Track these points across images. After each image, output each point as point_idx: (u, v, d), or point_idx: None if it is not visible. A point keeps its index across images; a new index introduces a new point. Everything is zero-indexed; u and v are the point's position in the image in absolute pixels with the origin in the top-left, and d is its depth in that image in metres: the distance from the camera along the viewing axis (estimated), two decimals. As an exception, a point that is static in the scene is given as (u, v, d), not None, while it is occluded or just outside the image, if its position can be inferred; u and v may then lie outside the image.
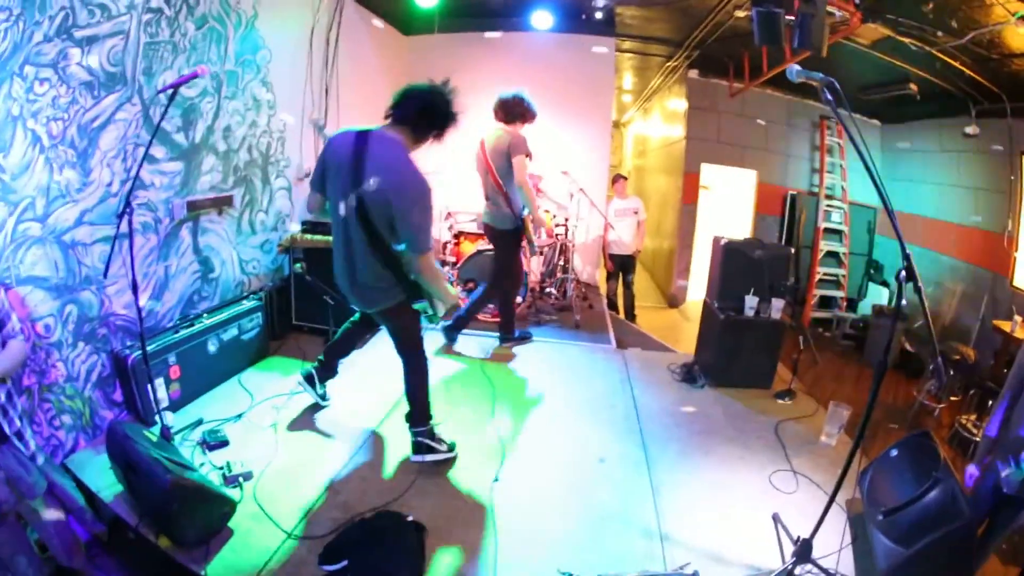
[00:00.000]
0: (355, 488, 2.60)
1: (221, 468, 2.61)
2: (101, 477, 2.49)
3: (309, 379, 3.16)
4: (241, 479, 2.56)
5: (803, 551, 2.15)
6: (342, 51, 4.60)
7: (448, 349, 4.24)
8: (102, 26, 2.58)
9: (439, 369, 3.93)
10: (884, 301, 7.22)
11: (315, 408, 3.22)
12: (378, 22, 5.38)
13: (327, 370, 3.21)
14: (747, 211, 7.85)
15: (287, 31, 4.03)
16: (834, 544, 2.30)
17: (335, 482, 2.63)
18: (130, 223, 2.44)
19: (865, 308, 7.46)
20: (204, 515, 2.21)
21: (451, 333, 4.31)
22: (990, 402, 4.14)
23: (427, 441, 2.81)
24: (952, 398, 4.84)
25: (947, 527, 2.03)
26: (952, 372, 4.77)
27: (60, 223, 2.53)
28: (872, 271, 7.70)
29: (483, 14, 5.98)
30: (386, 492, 2.58)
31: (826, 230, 7.42)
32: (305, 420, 3.12)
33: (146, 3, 2.77)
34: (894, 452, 2.61)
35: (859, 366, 5.96)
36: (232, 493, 2.41)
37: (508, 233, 3.99)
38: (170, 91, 2.37)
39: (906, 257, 1.78)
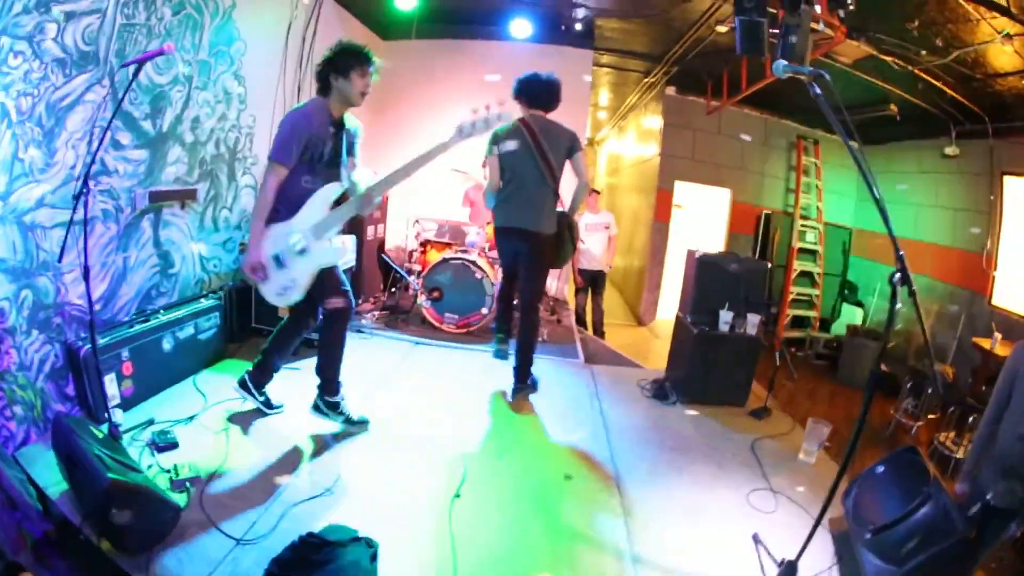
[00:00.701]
0: (306, 499, 2.47)
1: (168, 471, 2.47)
2: (49, 473, 2.33)
3: (243, 385, 3.05)
4: (188, 484, 2.42)
5: (788, 574, 2.06)
6: (318, 50, 4.51)
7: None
8: (81, 2, 2.50)
9: (401, 381, 3.84)
10: (858, 321, 7.35)
11: (268, 414, 3.09)
12: (356, 24, 5.33)
13: (263, 372, 3.06)
14: (720, 230, 7.94)
15: (264, 25, 3.96)
16: (818, 565, 2.23)
17: (286, 490, 2.51)
18: (85, 205, 2.34)
19: (839, 329, 7.56)
20: (146, 519, 2.08)
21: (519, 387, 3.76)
22: (970, 418, 4.20)
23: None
24: (930, 416, 4.90)
25: (942, 543, 1.98)
26: (930, 390, 4.85)
27: (21, 203, 2.41)
28: (846, 291, 7.84)
29: (461, 21, 5.98)
30: (339, 504, 2.47)
31: (800, 250, 7.52)
32: (258, 425, 3.00)
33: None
34: (880, 468, 2.56)
35: (832, 384, 6.05)
36: (178, 498, 2.28)
37: (553, 239, 3.57)
38: (134, 67, 2.27)
39: (899, 259, 1.73)
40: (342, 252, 2.87)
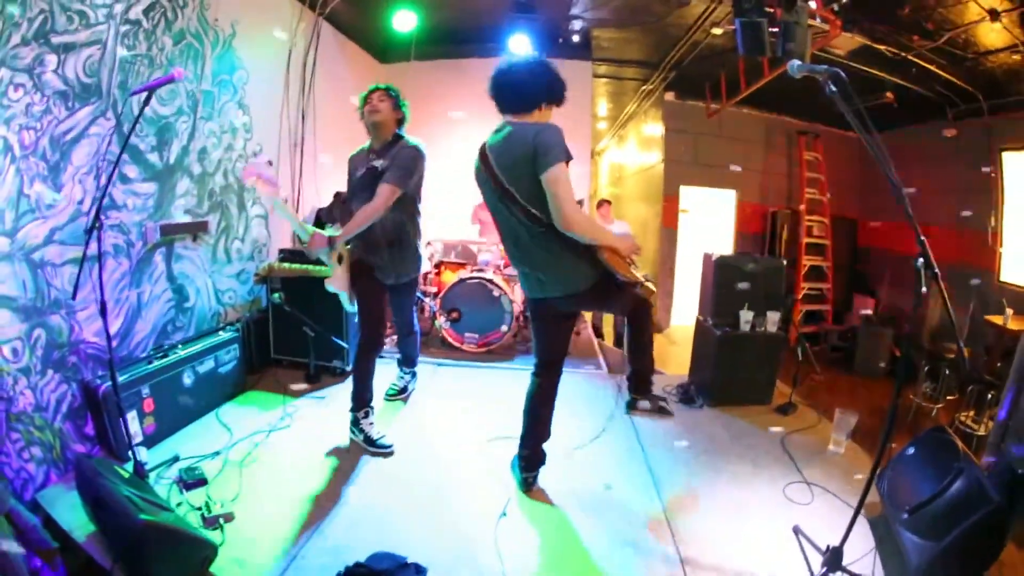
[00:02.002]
0: (346, 529, 2.39)
1: (199, 508, 2.39)
2: (73, 515, 2.24)
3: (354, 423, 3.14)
4: (221, 520, 2.33)
5: (834, 559, 2.05)
6: (319, 76, 4.53)
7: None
8: (80, 34, 2.47)
9: (428, 403, 3.76)
10: (870, 311, 7.28)
11: (297, 444, 3.02)
12: (355, 48, 5.35)
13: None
14: (728, 231, 7.94)
15: (265, 52, 3.95)
16: (857, 551, 2.19)
17: (323, 523, 2.41)
18: (99, 240, 2.28)
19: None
20: (181, 559, 1.99)
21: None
22: (989, 395, 4.15)
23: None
24: (948, 397, 4.84)
25: (979, 513, 1.99)
26: (947, 371, 4.78)
27: (29, 240, 2.36)
28: (856, 282, 7.79)
29: (459, 40, 6.01)
30: (382, 532, 2.37)
31: (808, 245, 7.49)
32: (287, 457, 2.90)
33: (124, 14, 2.68)
34: (911, 450, 2.56)
35: (850, 376, 5.97)
36: (212, 535, 2.19)
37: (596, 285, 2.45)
38: (144, 94, 2.23)
39: (921, 244, 1.77)
40: (334, 286, 2.91)
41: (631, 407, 3.63)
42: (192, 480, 2.58)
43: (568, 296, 2.41)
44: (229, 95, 3.60)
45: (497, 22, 5.35)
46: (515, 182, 2.24)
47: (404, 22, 4.58)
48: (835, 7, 3.71)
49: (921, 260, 1.78)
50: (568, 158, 2.20)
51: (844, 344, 7.12)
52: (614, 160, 12.43)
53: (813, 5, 3.61)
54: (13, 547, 1.85)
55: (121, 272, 2.87)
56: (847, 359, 6.62)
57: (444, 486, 2.76)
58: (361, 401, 3.07)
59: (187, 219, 3.32)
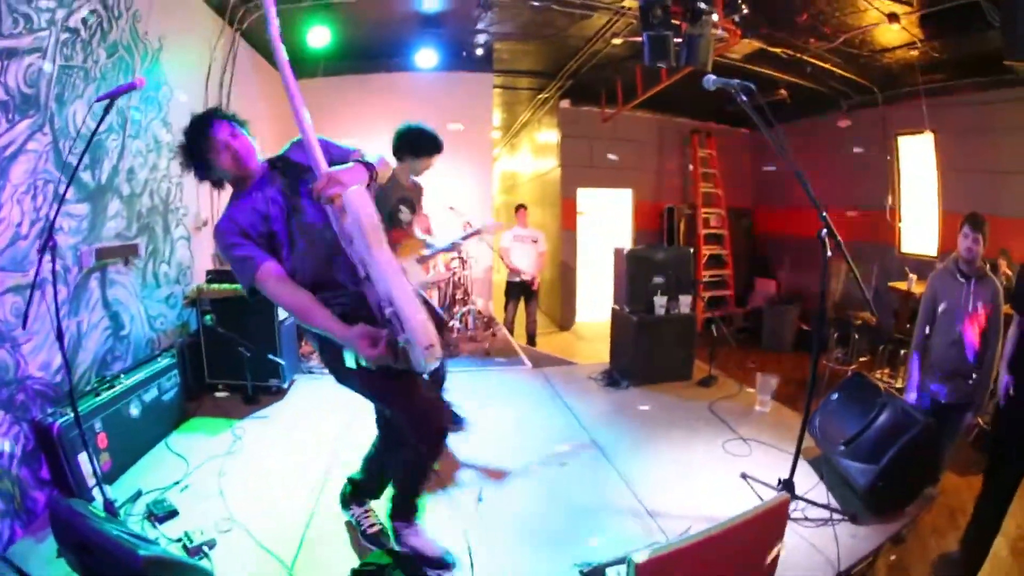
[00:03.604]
0: (330, 541, 2.39)
1: (179, 540, 2.31)
2: (50, 569, 2.10)
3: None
4: (206, 549, 2.28)
5: (787, 487, 2.42)
6: (235, 94, 4.40)
7: None
8: (23, 39, 2.32)
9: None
10: (772, 293, 8.02)
11: (255, 465, 2.95)
12: (265, 66, 5.21)
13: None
14: (626, 229, 8.42)
15: (186, 69, 3.80)
16: (806, 483, 2.57)
17: (307, 539, 2.40)
18: (53, 262, 2.17)
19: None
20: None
21: None
22: (901, 352, 4.69)
23: None
24: (861, 359, 5.41)
25: (909, 432, 2.37)
26: (856, 336, 5.38)
27: (-33, 267, 2.16)
28: (757, 267, 8.49)
29: (367, 56, 6.03)
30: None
31: (707, 235, 8.03)
32: (254, 478, 2.83)
33: (64, 21, 2.53)
34: (835, 395, 2.98)
35: (759, 351, 6.58)
36: (204, 564, 2.15)
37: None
38: (105, 102, 2.12)
39: (823, 219, 2.17)
40: None
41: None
42: (163, 513, 2.47)
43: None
44: (155, 112, 3.44)
45: (405, 36, 5.45)
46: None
47: (318, 38, 4.58)
48: (735, 18, 4.04)
49: (824, 231, 2.16)
50: None
51: (748, 324, 7.80)
52: (507, 168, 12.81)
53: (715, 17, 3.94)
54: None
55: (60, 300, 2.66)
56: (753, 338, 7.27)
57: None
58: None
59: (118, 242, 3.13)
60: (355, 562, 2.20)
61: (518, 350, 5.67)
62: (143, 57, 3.24)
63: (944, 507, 3.09)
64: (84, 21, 2.66)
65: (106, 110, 2.19)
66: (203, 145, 1.85)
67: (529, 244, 6.74)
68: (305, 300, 1.79)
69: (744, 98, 2.26)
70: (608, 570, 2.11)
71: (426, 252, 3.49)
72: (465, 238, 3.78)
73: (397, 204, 3.20)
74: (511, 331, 6.80)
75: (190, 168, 1.91)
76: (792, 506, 2.37)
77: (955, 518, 3.04)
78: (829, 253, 2.23)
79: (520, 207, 6.92)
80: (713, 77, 2.36)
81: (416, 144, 3.12)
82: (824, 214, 2.17)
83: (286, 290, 1.80)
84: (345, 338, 1.73)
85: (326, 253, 1.87)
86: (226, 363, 3.72)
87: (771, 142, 2.40)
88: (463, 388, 4.06)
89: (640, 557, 1.49)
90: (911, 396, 3.03)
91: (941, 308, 2.98)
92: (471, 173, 6.86)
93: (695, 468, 2.94)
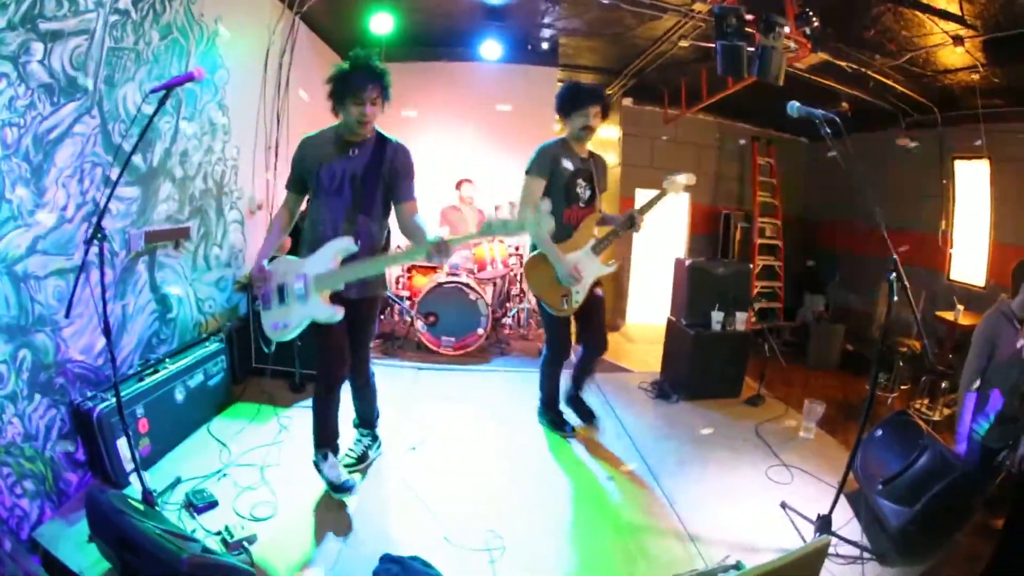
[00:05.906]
0: (374, 536, 2.36)
1: (219, 533, 2.26)
2: (81, 554, 2.08)
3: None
4: (246, 543, 2.22)
5: (824, 525, 2.39)
6: (294, 78, 4.35)
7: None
8: (68, 21, 2.27)
9: (421, 407, 3.76)
10: (822, 309, 7.60)
11: (299, 455, 2.87)
12: (324, 48, 5.16)
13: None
14: (681, 232, 8.12)
15: (244, 51, 3.75)
16: (841, 519, 2.47)
17: (352, 533, 2.38)
18: (100, 251, 2.12)
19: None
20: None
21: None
22: (943, 384, 4.51)
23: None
24: (903, 387, 5.17)
25: (945, 480, 2.29)
26: (901, 363, 5.14)
27: (11, 250, 2.14)
28: (807, 280, 8.13)
29: (430, 43, 5.92)
30: (406, 534, 2.41)
31: (761, 245, 7.74)
32: (295, 468, 2.79)
33: (114, 3, 2.48)
34: (879, 432, 2.86)
35: (803, 370, 6.30)
36: (245, 562, 2.07)
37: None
38: (162, 92, 2.09)
39: (894, 263, 2.18)
40: (332, 316, 2.35)
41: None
42: (202, 504, 2.45)
43: None
44: (210, 95, 3.40)
45: (469, 27, 5.32)
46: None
47: (381, 24, 4.50)
48: (806, 31, 3.88)
49: (894, 275, 2.17)
50: None
51: (794, 339, 7.51)
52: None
53: (788, 30, 3.78)
54: None
55: (105, 283, 2.67)
56: (798, 353, 6.98)
57: (453, 484, 2.83)
58: (320, 439, 2.67)
59: (168, 225, 3.12)
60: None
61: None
62: (199, 40, 3.19)
63: (958, 553, 2.83)
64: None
65: (162, 101, 2.14)
66: None
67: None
68: None
69: (828, 131, 2.31)
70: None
71: (597, 234, 3.45)
72: (652, 202, 3.61)
73: (573, 178, 3.13)
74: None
75: None
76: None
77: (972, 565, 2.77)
78: (895, 298, 2.20)
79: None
80: (797, 104, 2.39)
81: (574, 97, 3.13)
82: (895, 256, 2.19)
83: None
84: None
85: None
86: (276, 350, 3.65)
87: (839, 157, 2.31)
88: (509, 388, 4.17)
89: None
90: (961, 447, 2.79)
91: (999, 353, 2.77)
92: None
93: (738, 493, 2.89)
